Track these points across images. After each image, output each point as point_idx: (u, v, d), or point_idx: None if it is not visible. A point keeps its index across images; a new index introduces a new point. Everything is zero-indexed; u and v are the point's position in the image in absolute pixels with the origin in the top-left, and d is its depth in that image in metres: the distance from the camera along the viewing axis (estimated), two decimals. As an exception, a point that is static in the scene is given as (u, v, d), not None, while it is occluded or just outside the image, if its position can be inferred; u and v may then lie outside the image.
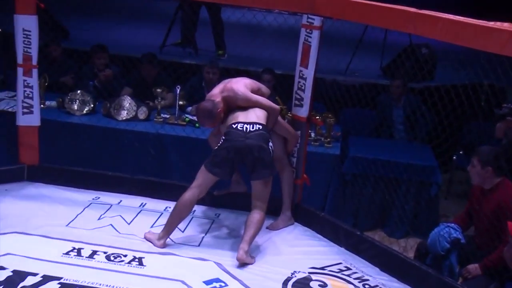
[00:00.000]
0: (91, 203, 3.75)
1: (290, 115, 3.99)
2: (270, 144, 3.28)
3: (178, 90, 4.73)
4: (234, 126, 3.25)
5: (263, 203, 3.29)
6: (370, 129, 5.23)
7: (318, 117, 4.30)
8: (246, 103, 3.36)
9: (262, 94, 3.49)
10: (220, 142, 3.26)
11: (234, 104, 3.38)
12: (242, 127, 3.24)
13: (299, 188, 3.77)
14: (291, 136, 3.66)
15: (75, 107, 4.69)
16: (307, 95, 3.63)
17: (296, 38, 3.58)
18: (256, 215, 3.26)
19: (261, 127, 3.26)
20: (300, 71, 3.61)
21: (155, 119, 4.69)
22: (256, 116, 3.32)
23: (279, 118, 3.58)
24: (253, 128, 3.24)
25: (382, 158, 4.49)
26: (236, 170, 3.39)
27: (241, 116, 3.31)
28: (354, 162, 4.54)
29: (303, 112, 3.68)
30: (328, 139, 4.59)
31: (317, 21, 3.46)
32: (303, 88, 3.62)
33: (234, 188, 3.76)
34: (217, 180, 3.33)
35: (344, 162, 4.61)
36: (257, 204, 3.28)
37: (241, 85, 3.41)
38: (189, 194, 3.28)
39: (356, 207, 4.64)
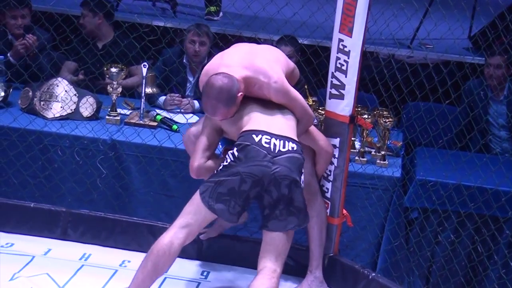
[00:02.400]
0: (-1, 253, 3.75)
1: (322, 113, 4.04)
2: (302, 176, 3.29)
3: (145, 69, 4.74)
4: (256, 140, 3.24)
5: (278, 264, 3.25)
6: (451, 137, 5.09)
7: (366, 117, 4.32)
8: (279, 100, 3.36)
9: (292, 79, 3.53)
10: (228, 161, 3.25)
11: (256, 93, 3.36)
12: (269, 143, 3.24)
13: (335, 232, 3.81)
14: (322, 148, 3.71)
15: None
16: (350, 80, 3.69)
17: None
18: (265, 284, 3.18)
19: (295, 147, 3.29)
20: (340, 40, 3.66)
21: (108, 117, 4.74)
22: (288, 126, 3.35)
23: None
24: (284, 147, 3.25)
25: (471, 184, 4.44)
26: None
27: (263, 121, 3.32)
28: (424, 190, 4.49)
29: (343, 107, 3.73)
30: (383, 153, 4.62)
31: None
32: (344, 68, 3.67)
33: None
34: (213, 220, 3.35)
35: (408, 191, 4.59)
36: (267, 264, 3.24)
37: (276, 66, 3.39)
38: (171, 236, 3.24)
39: (428, 264, 4.61)
